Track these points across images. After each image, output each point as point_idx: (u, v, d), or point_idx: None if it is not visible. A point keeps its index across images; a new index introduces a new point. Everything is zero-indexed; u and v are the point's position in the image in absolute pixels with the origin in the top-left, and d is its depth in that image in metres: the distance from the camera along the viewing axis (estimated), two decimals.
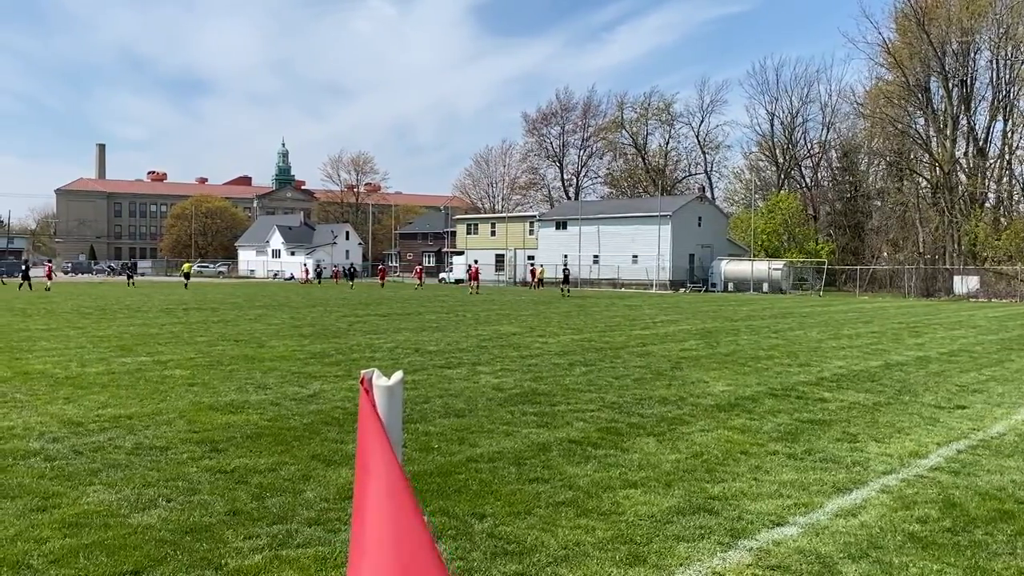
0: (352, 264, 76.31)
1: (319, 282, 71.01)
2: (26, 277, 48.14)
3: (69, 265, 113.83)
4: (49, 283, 49.13)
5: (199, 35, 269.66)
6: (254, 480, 6.18)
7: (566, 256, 68.83)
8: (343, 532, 5.02)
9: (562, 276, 53.71)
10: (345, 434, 7.78)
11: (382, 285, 61.26)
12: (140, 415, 8.61)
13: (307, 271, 76.05)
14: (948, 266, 57.20)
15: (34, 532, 4.95)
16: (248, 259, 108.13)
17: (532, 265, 59.80)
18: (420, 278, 61.66)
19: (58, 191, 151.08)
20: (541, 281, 57.71)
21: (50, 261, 65.09)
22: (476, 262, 62.26)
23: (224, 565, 4.52)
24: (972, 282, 52.60)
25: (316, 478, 6.26)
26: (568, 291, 49.98)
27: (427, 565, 1.37)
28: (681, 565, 4.69)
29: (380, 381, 1.53)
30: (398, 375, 1.55)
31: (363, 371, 1.54)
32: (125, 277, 56.53)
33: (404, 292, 50.41)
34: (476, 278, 52.06)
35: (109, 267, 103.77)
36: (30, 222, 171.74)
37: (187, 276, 58.85)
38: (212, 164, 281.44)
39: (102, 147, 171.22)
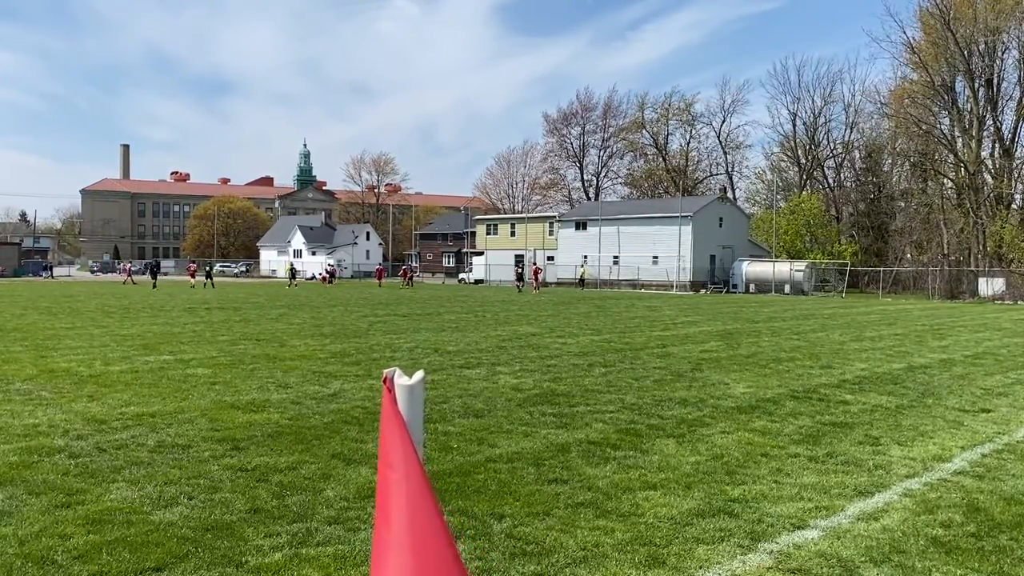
0: (290, 263, 72.63)
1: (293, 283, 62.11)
2: (154, 276, 49.04)
3: (97, 265, 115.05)
4: (194, 282, 50.01)
5: (225, 36, 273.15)
6: (275, 478, 6.22)
7: (585, 257, 68.74)
8: (363, 531, 5.04)
9: (516, 275, 59.24)
10: (365, 433, 7.81)
11: (379, 284, 62.28)
12: (162, 413, 8.69)
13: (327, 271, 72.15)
14: (973, 268, 56.49)
15: (58, 528, 5.01)
16: (270, 259, 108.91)
17: (519, 267, 60.30)
18: (407, 278, 61.78)
19: (83, 191, 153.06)
20: (528, 282, 57.91)
21: (194, 263, 65.86)
22: (535, 263, 62.76)
23: (244, 563, 4.55)
24: (998, 284, 51.93)
25: (336, 477, 6.29)
26: (522, 288, 55.03)
27: (447, 564, 1.38)
28: (701, 568, 4.66)
29: (402, 380, 1.53)
30: (419, 374, 1.56)
31: (385, 370, 1.55)
32: (204, 277, 55.56)
33: (419, 293, 50.49)
34: (536, 277, 54.56)
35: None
36: (55, 222, 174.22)
37: (293, 276, 64.50)
38: (235, 164, 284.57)
39: (126, 147, 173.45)
